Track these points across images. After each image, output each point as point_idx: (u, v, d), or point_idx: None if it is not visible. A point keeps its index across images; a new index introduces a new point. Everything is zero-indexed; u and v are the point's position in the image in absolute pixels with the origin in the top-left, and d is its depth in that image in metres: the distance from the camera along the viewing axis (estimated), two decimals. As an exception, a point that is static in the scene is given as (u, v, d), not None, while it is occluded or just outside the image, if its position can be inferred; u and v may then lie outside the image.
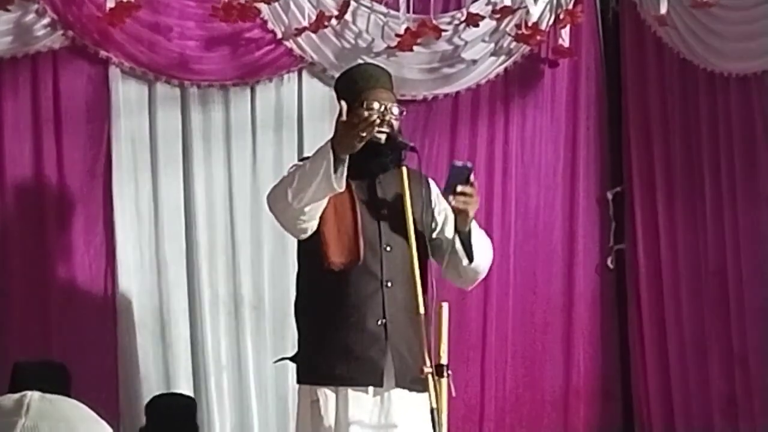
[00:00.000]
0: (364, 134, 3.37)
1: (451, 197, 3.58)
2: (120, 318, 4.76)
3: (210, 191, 4.93)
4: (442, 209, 3.83)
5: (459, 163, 3.66)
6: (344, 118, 3.38)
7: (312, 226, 3.57)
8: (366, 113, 3.49)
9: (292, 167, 3.80)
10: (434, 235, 3.80)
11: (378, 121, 3.45)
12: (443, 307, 3.54)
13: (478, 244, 3.73)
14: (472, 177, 3.59)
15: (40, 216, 4.70)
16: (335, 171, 3.38)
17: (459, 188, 3.56)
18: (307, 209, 3.49)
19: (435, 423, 3.37)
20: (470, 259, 3.70)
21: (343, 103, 3.43)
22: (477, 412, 5.35)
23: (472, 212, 3.65)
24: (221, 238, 4.94)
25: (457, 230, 3.68)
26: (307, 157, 3.80)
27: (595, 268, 5.70)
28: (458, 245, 3.69)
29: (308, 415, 3.67)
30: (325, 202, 3.52)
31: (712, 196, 5.40)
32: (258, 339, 4.97)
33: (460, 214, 3.64)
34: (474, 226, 3.72)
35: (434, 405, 3.38)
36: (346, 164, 3.41)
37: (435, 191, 3.88)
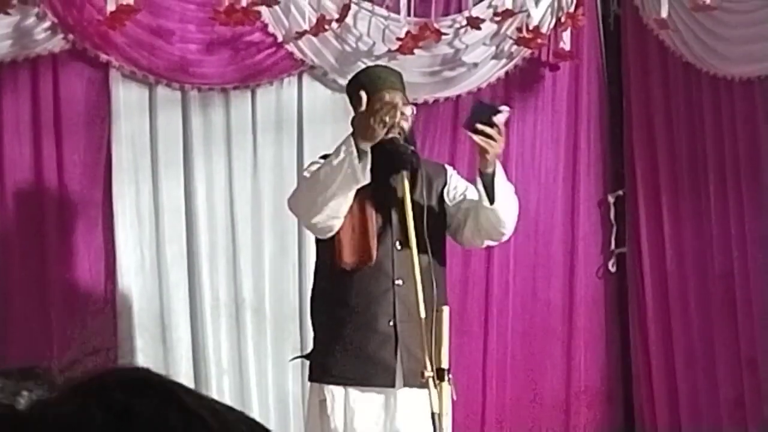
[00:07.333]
0: (387, 119, 3.41)
1: (472, 134, 3.59)
2: (120, 321, 4.75)
3: (210, 194, 4.93)
4: (456, 186, 3.87)
5: (484, 101, 3.67)
6: (364, 108, 3.43)
7: (337, 224, 3.60)
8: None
9: (310, 164, 3.82)
10: (449, 219, 3.84)
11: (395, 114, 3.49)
12: (444, 311, 3.55)
13: (501, 187, 3.69)
14: (497, 119, 3.58)
15: (40, 219, 4.69)
16: (359, 162, 3.40)
17: (478, 126, 3.56)
18: (332, 206, 3.51)
19: (436, 427, 3.38)
20: (491, 200, 3.67)
21: (363, 93, 3.46)
22: (479, 415, 5.34)
23: (493, 154, 3.62)
24: (222, 241, 4.94)
25: (479, 172, 3.66)
26: (325, 156, 3.82)
27: (596, 272, 5.69)
28: (479, 185, 3.66)
29: (317, 413, 3.71)
30: (350, 199, 3.54)
31: (717, 199, 5.40)
32: (259, 342, 4.96)
33: (480, 154, 3.63)
34: (499, 171, 3.69)
35: (435, 410, 3.39)
36: (369, 156, 3.43)
37: (451, 173, 3.92)
